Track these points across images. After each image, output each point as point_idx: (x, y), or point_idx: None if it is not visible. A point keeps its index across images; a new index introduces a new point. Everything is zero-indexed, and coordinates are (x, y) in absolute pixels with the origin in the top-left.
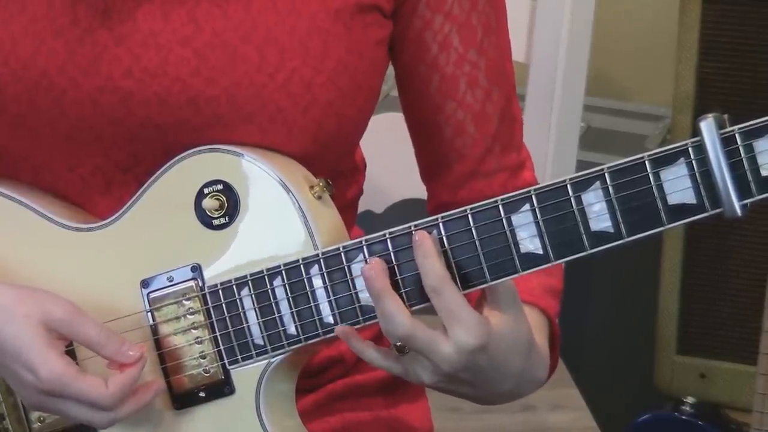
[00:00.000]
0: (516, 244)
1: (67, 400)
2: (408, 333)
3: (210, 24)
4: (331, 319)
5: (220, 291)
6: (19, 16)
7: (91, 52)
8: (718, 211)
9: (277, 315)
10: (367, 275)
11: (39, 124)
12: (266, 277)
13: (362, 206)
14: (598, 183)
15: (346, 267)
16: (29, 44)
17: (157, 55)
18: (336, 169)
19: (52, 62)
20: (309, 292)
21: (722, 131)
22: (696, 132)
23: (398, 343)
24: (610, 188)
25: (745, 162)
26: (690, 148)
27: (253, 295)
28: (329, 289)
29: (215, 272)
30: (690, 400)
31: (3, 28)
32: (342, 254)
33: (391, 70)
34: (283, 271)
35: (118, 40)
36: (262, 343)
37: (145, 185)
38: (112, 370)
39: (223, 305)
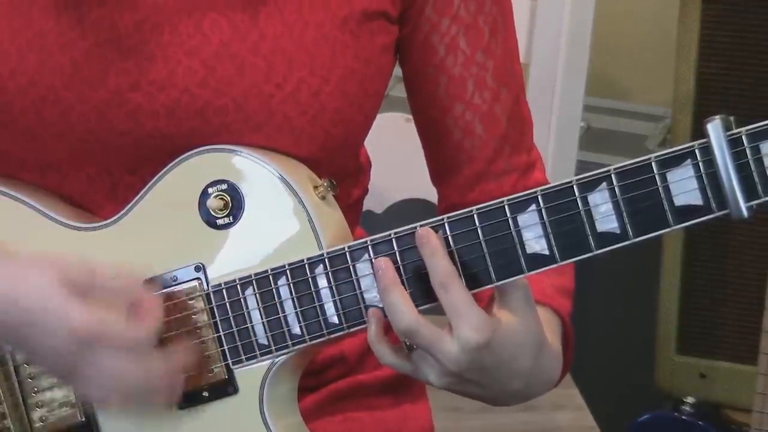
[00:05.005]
0: (522, 244)
1: (102, 349)
2: (412, 325)
3: (217, 35)
4: (335, 319)
5: (224, 290)
6: (25, 30)
7: (97, 66)
8: (724, 212)
9: (281, 315)
10: (378, 266)
11: (47, 135)
12: (270, 276)
13: (363, 206)
14: (604, 184)
15: (351, 267)
16: (36, 59)
17: (164, 67)
18: (341, 171)
19: (58, 77)
20: (314, 292)
21: (729, 133)
22: (697, 132)
23: (407, 341)
24: (617, 189)
25: (751, 164)
26: (697, 150)
27: (257, 295)
28: (334, 289)
29: (219, 272)
30: (690, 400)
31: (10, 42)
32: (347, 254)
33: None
34: (288, 271)
35: (125, 54)
36: (266, 342)
37: (149, 184)
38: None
39: (227, 305)
